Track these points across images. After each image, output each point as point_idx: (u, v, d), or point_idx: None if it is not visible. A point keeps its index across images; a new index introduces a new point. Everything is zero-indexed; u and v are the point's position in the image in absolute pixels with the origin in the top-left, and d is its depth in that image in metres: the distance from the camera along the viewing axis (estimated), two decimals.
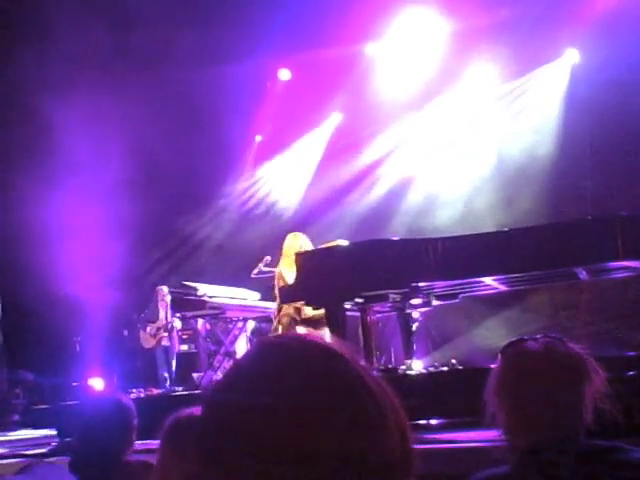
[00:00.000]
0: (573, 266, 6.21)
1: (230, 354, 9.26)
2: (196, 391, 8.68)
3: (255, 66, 11.59)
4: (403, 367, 6.99)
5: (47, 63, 10.76)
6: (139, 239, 12.21)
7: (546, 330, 2.05)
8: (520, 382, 1.81)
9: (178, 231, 13.31)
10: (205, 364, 10.26)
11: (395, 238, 6.93)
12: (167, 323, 10.04)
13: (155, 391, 9.38)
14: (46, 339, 11.88)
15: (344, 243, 7.25)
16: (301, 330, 7.26)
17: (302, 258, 6.83)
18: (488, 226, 9.41)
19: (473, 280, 6.64)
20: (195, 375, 10.06)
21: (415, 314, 7.41)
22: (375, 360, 6.77)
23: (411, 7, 10.90)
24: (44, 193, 11.37)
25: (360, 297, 6.53)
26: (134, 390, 9.42)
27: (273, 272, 8.53)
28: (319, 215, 11.66)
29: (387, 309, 7.40)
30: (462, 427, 5.18)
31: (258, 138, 13.19)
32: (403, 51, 11.47)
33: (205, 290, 8.85)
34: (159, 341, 10.04)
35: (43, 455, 6.74)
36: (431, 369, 7.07)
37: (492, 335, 9.15)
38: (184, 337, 10.86)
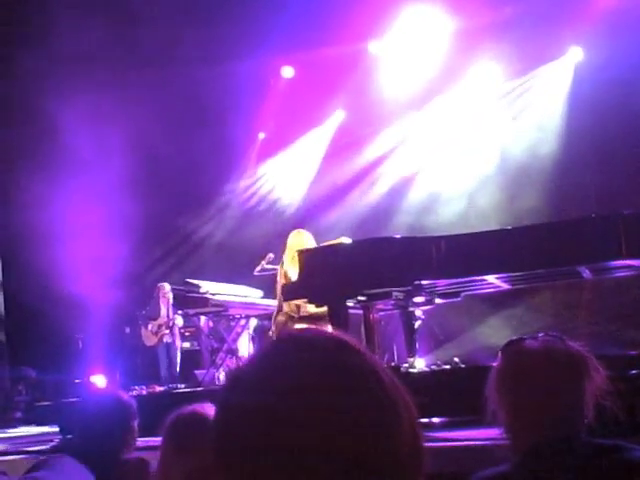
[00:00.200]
0: (576, 264, 6.20)
1: (232, 352, 9.27)
2: (198, 388, 8.69)
3: (258, 64, 11.59)
4: (406, 365, 6.99)
5: (49, 63, 10.77)
6: (142, 237, 12.23)
7: (549, 329, 2.05)
8: (520, 381, 1.81)
9: (181, 229, 13.32)
10: (207, 361, 10.26)
11: (398, 236, 6.92)
12: (168, 320, 10.04)
13: (157, 388, 9.40)
14: (49, 336, 11.89)
15: (347, 241, 7.25)
16: (301, 326, 7.24)
17: (305, 256, 6.83)
18: (491, 224, 9.39)
19: (476, 278, 6.63)
20: (197, 372, 10.07)
21: (418, 312, 7.40)
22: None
23: (414, 5, 10.90)
24: (47, 192, 11.38)
25: (363, 295, 6.52)
26: (136, 387, 9.44)
27: (276, 270, 8.53)
28: (322, 213, 11.67)
29: (390, 307, 7.39)
30: (464, 425, 5.18)
31: (261, 135, 13.19)
32: (406, 49, 11.46)
33: (208, 287, 8.85)
34: (160, 338, 10.05)
35: (45, 452, 6.75)
36: (434, 367, 7.06)
37: (495, 333, 9.15)
38: (186, 334, 10.87)
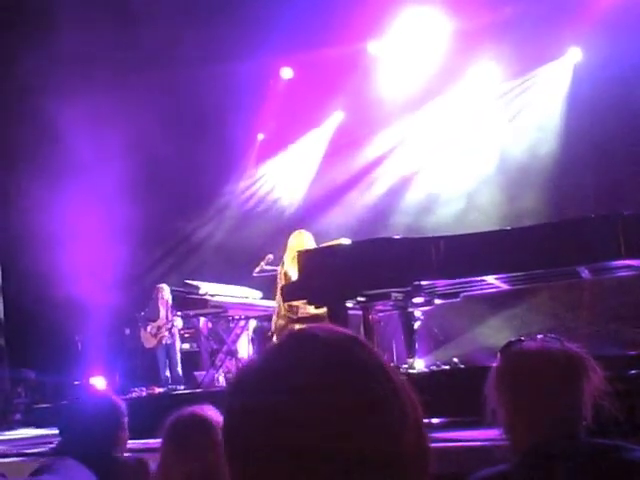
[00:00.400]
0: (575, 265, 6.20)
1: (232, 353, 9.26)
2: (198, 390, 8.69)
3: (257, 65, 11.59)
4: (405, 366, 6.98)
5: (50, 65, 10.76)
6: (141, 238, 12.22)
7: (548, 329, 2.05)
8: (519, 381, 1.82)
9: (180, 230, 13.32)
10: (207, 363, 10.26)
11: (397, 237, 6.92)
12: (168, 321, 10.03)
13: (156, 390, 9.39)
14: (48, 338, 11.89)
15: (346, 242, 7.25)
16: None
17: (304, 256, 6.83)
18: (490, 225, 9.39)
19: (475, 279, 6.63)
20: (197, 374, 10.07)
21: (417, 313, 7.39)
22: None
23: (414, 6, 10.90)
24: (46, 195, 11.37)
25: (362, 296, 6.52)
26: (136, 389, 9.43)
27: (275, 270, 8.53)
28: (321, 213, 11.67)
29: (389, 308, 7.39)
30: (464, 426, 5.18)
31: (260, 136, 13.19)
32: (406, 50, 11.46)
33: (207, 289, 8.85)
34: (160, 340, 10.03)
35: (44, 454, 6.74)
36: (433, 368, 7.06)
37: (494, 334, 9.14)
38: (186, 336, 10.86)
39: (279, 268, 8.27)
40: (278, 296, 7.73)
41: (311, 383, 0.80)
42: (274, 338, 7.98)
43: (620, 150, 10.05)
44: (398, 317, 7.51)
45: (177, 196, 12.27)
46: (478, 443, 4.43)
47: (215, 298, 8.82)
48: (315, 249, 7.43)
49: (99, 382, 10.67)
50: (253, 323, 9.95)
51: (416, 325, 7.33)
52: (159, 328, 10.02)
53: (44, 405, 10.61)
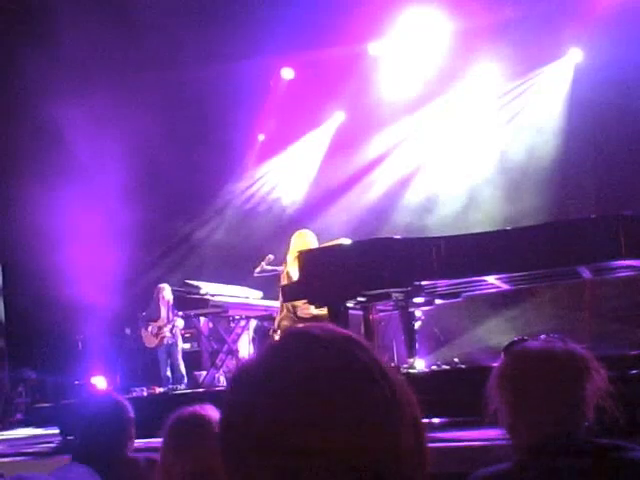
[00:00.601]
0: (576, 265, 6.20)
1: (232, 353, 9.26)
2: (198, 390, 8.69)
3: (258, 65, 11.59)
4: (406, 366, 6.99)
5: (51, 66, 10.76)
6: (142, 238, 12.22)
7: (549, 329, 2.05)
8: (522, 381, 1.82)
9: (180, 230, 13.32)
10: (208, 363, 10.26)
11: (398, 237, 6.92)
12: (169, 321, 10.02)
13: (157, 390, 9.39)
14: (49, 338, 11.90)
15: (347, 242, 7.25)
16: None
17: (305, 256, 6.83)
18: (491, 225, 9.40)
19: (476, 279, 6.63)
20: (197, 374, 10.07)
21: (418, 313, 7.40)
22: None
23: (414, 6, 10.90)
24: (47, 196, 11.36)
25: (363, 296, 6.52)
26: (136, 389, 9.43)
27: (276, 270, 8.54)
28: (322, 213, 11.67)
29: (390, 308, 7.39)
30: (464, 426, 5.18)
31: (261, 137, 13.19)
32: (406, 50, 11.46)
33: (207, 289, 8.85)
34: (161, 340, 10.02)
35: (45, 454, 6.75)
36: (434, 368, 7.06)
37: (495, 334, 9.15)
38: (186, 336, 10.86)
39: (282, 268, 8.28)
40: (281, 297, 7.74)
41: (307, 383, 0.80)
42: (275, 338, 7.98)
43: (621, 150, 10.05)
44: (399, 317, 7.51)
45: (177, 196, 12.28)
46: (479, 443, 4.43)
47: (216, 298, 8.82)
48: (316, 249, 7.43)
49: (100, 382, 10.68)
50: (254, 323, 9.95)
51: (417, 325, 7.33)
52: (160, 328, 10.02)
53: (45, 405, 10.61)
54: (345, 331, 0.88)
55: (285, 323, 7.82)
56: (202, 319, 10.08)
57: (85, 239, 11.59)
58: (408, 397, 0.85)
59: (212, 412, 2.19)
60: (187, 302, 9.05)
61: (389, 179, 11.93)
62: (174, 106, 11.73)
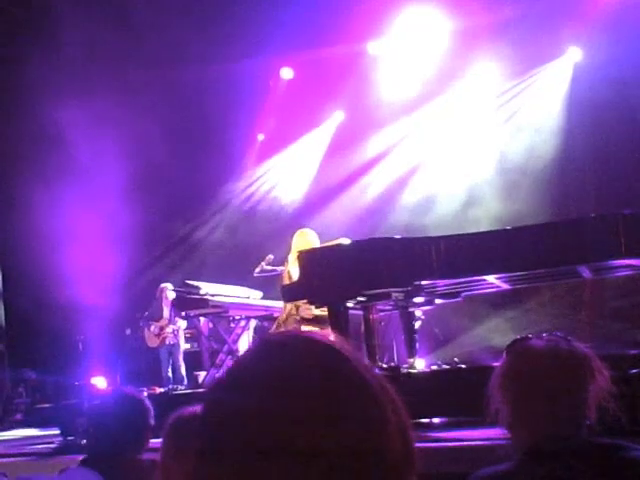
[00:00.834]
0: (576, 264, 6.20)
1: (233, 353, 9.26)
2: (199, 390, 8.69)
3: (257, 65, 11.59)
4: (406, 366, 6.99)
5: (51, 67, 10.76)
6: (142, 239, 12.22)
7: (549, 329, 2.05)
8: (524, 380, 1.81)
9: (180, 230, 13.32)
10: (208, 363, 10.25)
11: (397, 237, 6.92)
12: (171, 321, 10.01)
13: (157, 390, 9.39)
14: (49, 338, 11.89)
15: (346, 241, 7.25)
16: (305, 329, 7.25)
17: (304, 257, 6.83)
18: (490, 225, 9.40)
19: (476, 279, 6.63)
20: (198, 374, 10.06)
21: (418, 312, 7.40)
22: (378, 358, 6.76)
23: (414, 6, 10.90)
24: (48, 197, 11.35)
25: (363, 295, 6.52)
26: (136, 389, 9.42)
27: (276, 271, 8.55)
28: (321, 213, 11.66)
29: (390, 307, 7.39)
30: (465, 426, 5.18)
31: (260, 137, 13.19)
32: (406, 50, 11.46)
33: (207, 289, 8.85)
34: (163, 340, 10.01)
35: (46, 454, 6.75)
36: (434, 367, 7.07)
37: (495, 334, 9.15)
38: (187, 336, 10.86)
39: (282, 268, 8.29)
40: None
41: (289, 388, 0.81)
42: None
43: (620, 149, 10.04)
44: (399, 317, 7.52)
45: (177, 197, 12.27)
46: (479, 442, 4.43)
47: (216, 298, 8.82)
48: (315, 249, 7.43)
49: (100, 382, 10.67)
50: (254, 323, 9.94)
51: (417, 325, 7.34)
52: (162, 328, 10.01)
53: (45, 405, 10.60)
54: (326, 339, 0.88)
55: (287, 323, 7.82)
56: (202, 319, 10.07)
57: (85, 240, 11.58)
58: (393, 402, 0.85)
59: None
60: (187, 302, 9.05)
61: (388, 179, 11.92)
62: (174, 106, 11.72)
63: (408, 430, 0.86)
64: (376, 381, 0.85)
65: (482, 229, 8.14)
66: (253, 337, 9.84)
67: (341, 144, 12.33)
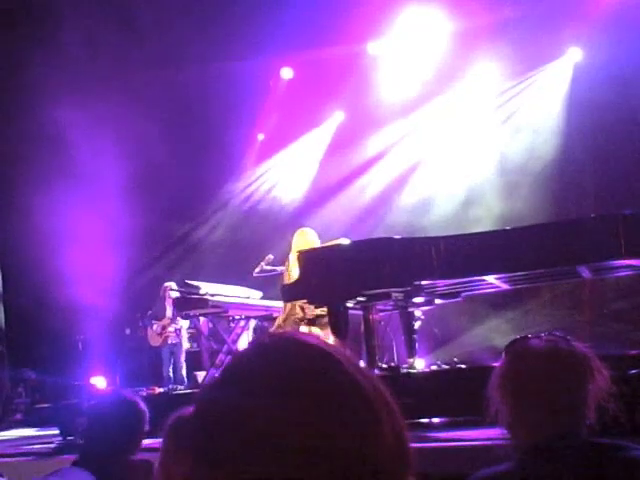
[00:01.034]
0: (576, 264, 6.20)
1: (232, 353, 9.25)
2: (198, 390, 8.68)
3: (258, 65, 11.59)
4: (405, 366, 6.99)
5: (51, 67, 10.75)
6: (141, 239, 12.21)
7: (549, 329, 2.05)
8: (523, 380, 1.81)
9: (180, 230, 13.32)
10: (207, 363, 10.25)
11: (397, 237, 6.92)
12: (173, 320, 9.99)
13: (157, 390, 9.38)
14: (49, 338, 11.89)
15: (346, 242, 7.25)
16: (304, 329, 7.26)
17: (304, 256, 6.83)
18: (490, 225, 9.40)
19: (476, 279, 6.64)
20: (197, 374, 10.06)
21: (417, 312, 7.40)
22: (377, 359, 6.77)
23: (414, 6, 10.89)
24: (48, 198, 11.34)
25: (362, 295, 6.52)
26: (135, 389, 9.42)
27: (275, 271, 8.55)
28: (321, 213, 11.66)
29: (389, 307, 7.39)
30: (464, 426, 5.18)
31: (260, 137, 13.19)
32: (406, 50, 11.46)
33: (207, 289, 8.85)
34: (165, 339, 10.00)
35: (46, 454, 6.75)
36: (433, 367, 7.07)
37: (495, 334, 9.15)
38: (189, 334, 10.85)
39: (282, 268, 8.30)
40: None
41: (268, 394, 0.81)
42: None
43: (620, 150, 10.04)
44: (399, 317, 7.52)
45: (177, 196, 12.27)
46: (479, 442, 4.43)
47: (215, 298, 8.82)
48: (315, 249, 7.43)
49: (99, 382, 10.67)
50: (253, 323, 9.94)
51: (417, 325, 7.34)
52: (164, 327, 10.00)
53: (44, 405, 10.60)
54: (319, 342, 0.88)
55: (288, 323, 7.82)
56: (202, 319, 10.07)
57: (85, 240, 11.58)
58: (388, 405, 0.86)
59: None
60: (187, 302, 9.05)
61: (388, 179, 11.92)
62: (173, 106, 11.72)
63: (403, 432, 0.86)
64: (369, 384, 0.85)
65: (482, 229, 8.14)
66: (252, 337, 9.84)
67: (341, 144, 12.34)
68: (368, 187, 12.07)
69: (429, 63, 11.26)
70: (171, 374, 9.98)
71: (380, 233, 9.31)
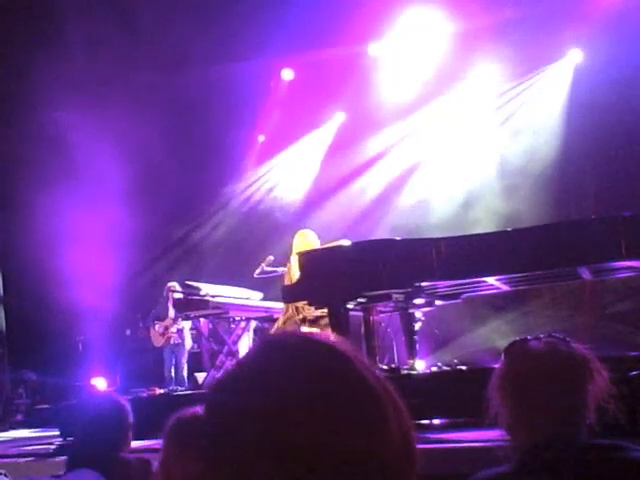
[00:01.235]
0: (576, 266, 6.20)
1: (233, 354, 9.25)
2: (199, 391, 8.69)
3: (258, 66, 11.60)
4: (406, 367, 6.99)
5: (52, 69, 10.76)
6: (142, 240, 12.21)
7: (549, 330, 2.05)
8: (523, 382, 1.81)
9: (180, 231, 13.32)
10: (208, 364, 10.25)
11: (398, 238, 6.92)
12: (174, 321, 9.99)
13: (157, 391, 9.39)
14: (49, 339, 11.89)
15: (346, 243, 7.25)
16: (305, 330, 7.26)
17: (305, 258, 6.83)
18: (491, 226, 9.40)
19: (476, 280, 6.63)
20: (198, 375, 10.06)
21: (418, 314, 7.40)
22: (378, 360, 6.77)
23: (414, 7, 10.90)
24: (48, 199, 11.35)
25: (363, 297, 6.52)
26: (136, 390, 9.42)
27: (276, 272, 8.55)
28: (322, 214, 11.66)
29: (390, 309, 7.40)
30: (465, 427, 5.18)
31: (261, 138, 13.20)
32: (406, 51, 11.47)
33: (208, 290, 8.85)
34: (168, 340, 9.99)
35: (46, 455, 6.75)
36: (434, 369, 7.07)
37: (495, 335, 9.15)
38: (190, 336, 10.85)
39: (282, 269, 8.30)
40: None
41: (289, 389, 0.81)
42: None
43: (621, 151, 10.05)
44: (399, 318, 7.52)
45: (177, 197, 12.28)
46: (479, 444, 4.43)
47: (216, 299, 8.82)
48: (316, 250, 7.43)
49: (100, 383, 10.68)
50: (254, 324, 9.94)
51: (417, 326, 7.34)
52: (167, 328, 9.99)
53: (45, 406, 10.61)
54: (326, 339, 0.89)
55: (288, 324, 7.82)
56: (202, 320, 10.07)
57: (86, 241, 11.58)
58: (395, 403, 0.86)
59: None
60: (187, 303, 9.05)
61: (389, 180, 11.92)
62: (174, 107, 11.73)
63: (409, 431, 0.86)
64: (378, 382, 0.85)
65: (483, 231, 8.14)
66: (253, 338, 9.84)
67: (342, 145, 12.34)
68: (369, 188, 12.08)
69: (430, 64, 11.26)
70: (173, 375, 9.97)
71: (380, 234, 9.32)
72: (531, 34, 10.11)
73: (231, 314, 9.27)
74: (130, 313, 11.79)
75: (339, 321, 6.49)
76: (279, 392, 0.81)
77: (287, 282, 7.73)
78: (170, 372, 9.98)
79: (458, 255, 6.22)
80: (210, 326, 10.05)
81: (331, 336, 0.91)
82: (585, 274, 6.47)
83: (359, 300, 6.56)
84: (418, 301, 6.94)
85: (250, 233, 12.38)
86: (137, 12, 10.72)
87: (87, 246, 11.57)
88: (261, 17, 10.85)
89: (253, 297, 9.28)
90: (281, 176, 13.31)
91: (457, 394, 5.53)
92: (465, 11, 10.50)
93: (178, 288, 9.88)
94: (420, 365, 7.17)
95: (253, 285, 9.26)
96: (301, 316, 7.76)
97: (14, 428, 10.68)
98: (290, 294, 7.04)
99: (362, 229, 10.59)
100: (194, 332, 10.56)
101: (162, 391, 9.35)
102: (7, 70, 11.34)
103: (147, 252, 12.96)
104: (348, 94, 11.97)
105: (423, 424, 5.70)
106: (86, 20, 10.84)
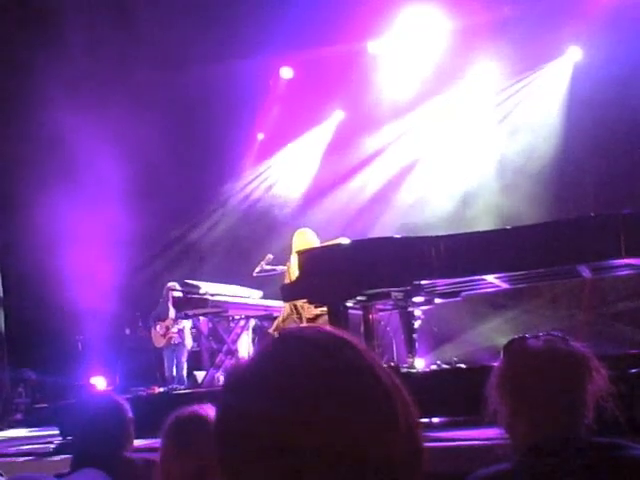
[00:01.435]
0: (575, 264, 6.20)
1: (232, 352, 9.26)
2: (198, 389, 8.69)
3: (257, 64, 11.59)
4: (405, 365, 6.99)
5: (52, 69, 10.76)
6: (141, 239, 12.21)
7: (549, 328, 2.05)
8: (522, 380, 1.81)
9: (179, 230, 13.32)
10: (207, 362, 10.25)
11: (397, 236, 6.92)
12: (174, 321, 9.98)
13: (156, 389, 9.39)
14: (49, 338, 11.89)
15: (346, 241, 7.25)
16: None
17: (304, 256, 6.83)
18: (490, 224, 9.40)
19: (475, 278, 6.63)
20: (197, 373, 10.06)
21: (417, 312, 7.40)
22: None
23: (413, 5, 10.89)
24: (48, 200, 11.34)
25: (362, 295, 6.52)
26: (136, 389, 9.42)
27: (275, 270, 8.56)
28: (321, 212, 11.66)
29: (389, 307, 7.39)
30: (464, 425, 5.18)
31: (260, 136, 13.19)
32: (405, 49, 11.46)
33: (207, 288, 8.84)
34: (169, 340, 9.98)
35: (46, 454, 6.75)
36: (433, 367, 7.07)
37: (494, 333, 9.15)
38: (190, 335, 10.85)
39: (282, 267, 8.30)
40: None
41: (296, 386, 0.81)
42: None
43: (620, 149, 10.04)
44: (398, 316, 7.52)
45: (176, 196, 12.27)
46: (478, 442, 4.43)
47: (215, 298, 8.81)
48: (315, 248, 7.44)
49: (99, 382, 10.67)
50: (253, 323, 9.94)
51: (416, 324, 7.33)
52: (167, 328, 9.98)
53: (44, 405, 10.60)
54: (337, 332, 0.88)
55: (287, 323, 7.82)
56: (202, 318, 10.06)
57: (85, 241, 11.58)
58: (403, 399, 0.85)
59: (212, 412, 2.17)
60: (187, 302, 9.05)
61: (388, 177, 11.92)
62: (173, 106, 11.72)
63: (417, 428, 0.86)
64: (388, 377, 0.85)
65: (482, 228, 8.14)
66: (252, 337, 9.85)
67: (341, 143, 12.34)
68: (367, 186, 12.07)
69: (429, 62, 11.26)
70: (174, 374, 9.97)
71: (379, 232, 9.32)
72: (530, 31, 10.10)
73: (230, 312, 9.27)
74: (129, 312, 11.79)
75: (338, 319, 6.49)
76: (293, 389, 0.80)
77: (286, 280, 7.73)
78: (171, 372, 9.98)
79: (457, 253, 6.22)
80: (210, 325, 10.05)
81: (343, 332, 0.90)
82: (585, 272, 6.47)
83: (358, 298, 6.56)
84: (417, 299, 6.93)
85: (249, 231, 12.38)
86: (137, 12, 10.71)
87: (87, 246, 11.56)
88: (260, 16, 10.85)
89: (252, 295, 9.28)
90: (280, 174, 13.31)
91: (456, 392, 5.53)
92: (464, 8, 10.50)
93: (178, 288, 9.87)
94: (419, 363, 7.17)
95: (252, 283, 9.26)
96: (300, 315, 7.76)
97: (13, 427, 10.68)
98: (289, 292, 7.04)
99: (361, 227, 10.59)
100: (194, 331, 10.55)
101: (161, 390, 9.35)
102: (7, 70, 11.33)
103: (146, 251, 12.95)
104: (347, 92, 11.97)
105: (422, 422, 5.70)
106: (86, 20, 10.84)
